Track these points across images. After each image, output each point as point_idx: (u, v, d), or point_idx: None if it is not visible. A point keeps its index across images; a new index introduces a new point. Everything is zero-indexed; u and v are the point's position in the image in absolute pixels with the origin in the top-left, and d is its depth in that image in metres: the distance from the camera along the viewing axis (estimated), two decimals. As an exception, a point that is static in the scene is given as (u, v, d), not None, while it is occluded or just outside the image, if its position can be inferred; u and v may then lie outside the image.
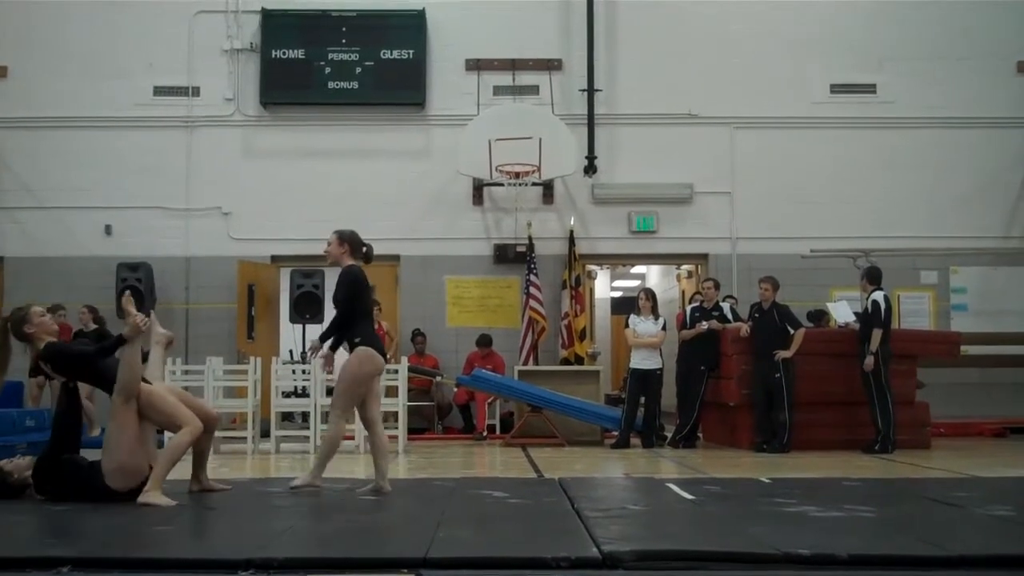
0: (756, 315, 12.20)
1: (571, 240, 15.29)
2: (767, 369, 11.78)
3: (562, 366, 14.71)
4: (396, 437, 11.92)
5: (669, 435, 12.75)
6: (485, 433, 13.93)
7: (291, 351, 15.26)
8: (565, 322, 15.08)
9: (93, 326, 12.94)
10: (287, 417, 12.95)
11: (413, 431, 13.24)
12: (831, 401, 12.02)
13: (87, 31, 15.56)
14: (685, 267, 17.21)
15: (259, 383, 11.90)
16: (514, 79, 15.69)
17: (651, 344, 12.43)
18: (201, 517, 6.31)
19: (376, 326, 14.51)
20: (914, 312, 15.41)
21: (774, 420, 11.74)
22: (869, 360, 11.50)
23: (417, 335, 14.98)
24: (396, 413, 12.04)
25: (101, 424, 11.83)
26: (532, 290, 14.93)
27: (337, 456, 11.28)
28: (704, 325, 12.47)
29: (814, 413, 11.89)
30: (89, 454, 7.10)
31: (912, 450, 11.58)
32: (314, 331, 14.89)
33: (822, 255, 14.79)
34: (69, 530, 5.70)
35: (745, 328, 12.15)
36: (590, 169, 15.45)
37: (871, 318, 11.69)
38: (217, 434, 10.98)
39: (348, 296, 7.46)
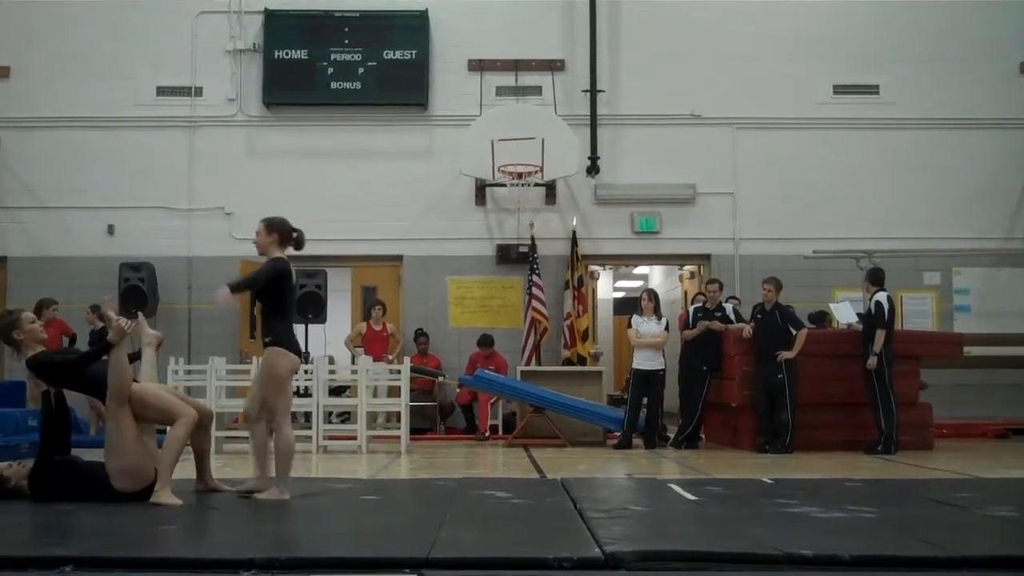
0: (759, 316, 12.19)
1: (573, 240, 15.29)
2: (770, 370, 11.78)
3: (564, 367, 14.70)
4: (399, 437, 11.93)
5: (671, 436, 12.75)
6: (487, 433, 13.93)
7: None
8: (567, 323, 15.08)
9: (100, 324, 12.94)
10: (289, 417, 12.93)
11: (415, 431, 13.25)
12: (833, 402, 12.01)
13: (90, 31, 15.57)
14: (687, 268, 17.20)
15: (261, 383, 11.87)
16: (517, 80, 15.70)
17: (654, 345, 12.42)
18: (204, 517, 6.31)
19: (380, 328, 14.72)
20: (917, 313, 15.40)
21: (776, 421, 11.74)
22: (872, 360, 11.49)
23: (420, 335, 14.98)
24: (399, 413, 12.04)
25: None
26: (534, 290, 14.93)
27: (339, 456, 11.38)
28: (704, 324, 12.47)
29: (816, 414, 11.89)
30: (86, 454, 7.10)
31: (915, 451, 11.57)
32: (317, 331, 15.02)
33: (825, 256, 14.80)
34: (71, 529, 5.70)
35: (747, 329, 12.14)
36: (593, 170, 15.45)
37: (874, 319, 11.68)
38: (220, 434, 11.05)
39: (258, 276, 7.11)
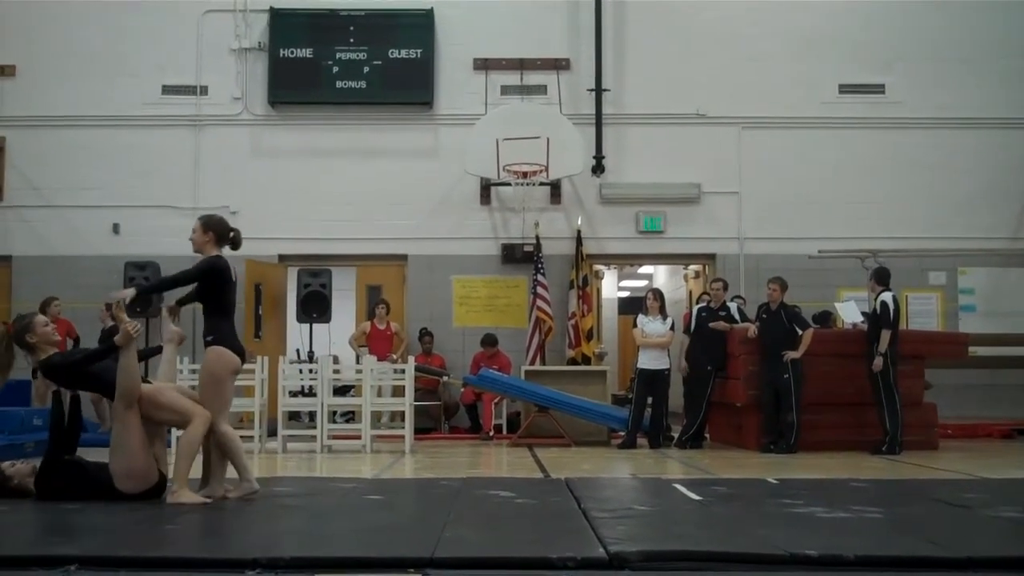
0: (764, 316, 12.17)
1: (578, 240, 15.28)
2: (775, 370, 11.76)
3: (569, 366, 14.70)
4: (403, 437, 11.93)
5: (676, 435, 12.74)
6: (492, 433, 13.92)
7: (298, 350, 15.28)
8: (572, 322, 15.07)
9: (111, 323, 12.94)
10: (294, 416, 12.97)
11: (420, 431, 13.26)
12: (839, 402, 12.00)
13: (95, 30, 15.60)
14: (693, 267, 17.19)
15: (266, 382, 11.90)
16: (522, 79, 15.70)
17: (659, 344, 12.41)
18: (208, 516, 6.31)
19: (385, 327, 14.72)
20: (922, 313, 15.39)
21: (781, 421, 11.72)
22: (878, 361, 11.47)
23: (424, 334, 14.99)
24: (403, 413, 12.04)
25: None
26: (539, 290, 14.92)
27: (343, 456, 11.37)
28: (712, 325, 12.47)
29: (821, 414, 11.87)
30: (94, 453, 7.11)
31: (920, 451, 11.55)
32: (321, 330, 15.02)
33: (830, 255, 14.78)
34: (75, 528, 5.70)
35: (753, 329, 12.13)
36: (598, 169, 15.45)
37: (880, 319, 11.66)
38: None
39: (194, 276, 7.03)
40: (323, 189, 15.40)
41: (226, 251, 7.23)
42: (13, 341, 6.95)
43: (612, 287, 20.77)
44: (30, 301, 13.64)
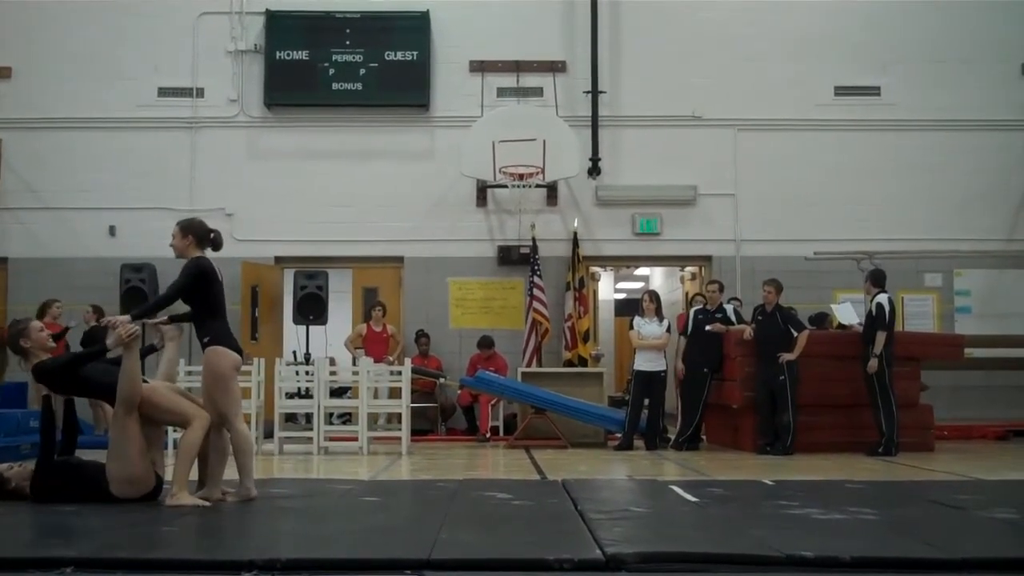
0: (759, 318, 12.19)
1: (575, 242, 15.28)
2: (770, 371, 11.78)
3: (565, 368, 14.70)
4: (400, 438, 11.93)
5: (672, 437, 12.75)
6: (488, 435, 13.93)
7: (295, 352, 15.28)
8: (568, 324, 15.08)
9: (94, 323, 12.93)
10: (290, 418, 12.96)
11: (416, 432, 13.25)
12: (834, 403, 12.02)
13: (91, 32, 15.58)
14: (689, 269, 17.20)
15: (262, 384, 11.90)
16: (518, 81, 15.70)
17: (655, 346, 12.43)
18: (204, 518, 6.30)
19: (381, 329, 14.72)
20: (918, 314, 15.40)
21: (777, 422, 11.74)
22: (873, 362, 11.49)
23: (421, 336, 14.99)
24: (400, 414, 12.04)
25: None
26: (536, 292, 14.92)
27: (339, 457, 11.38)
28: (708, 328, 12.48)
29: (817, 415, 11.89)
30: (91, 456, 7.10)
31: (915, 453, 11.57)
32: (318, 332, 15.02)
33: (826, 257, 14.79)
34: (72, 530, 5.70)
35: (748, 331, 12.14)
36: (594, 171, 15.46)
37: (875, 320, 11.68)
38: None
39: (186, 286, 6.92)
40: (319, 191, 15.39)
41: (209, 252, 7.16)
42: (7, 347, 6.92)
43: (608, 289, 20.80)
44: (26, 303, 13.67)
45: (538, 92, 15.68)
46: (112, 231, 15.29)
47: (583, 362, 14.88)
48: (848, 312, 12.99)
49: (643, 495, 7.68)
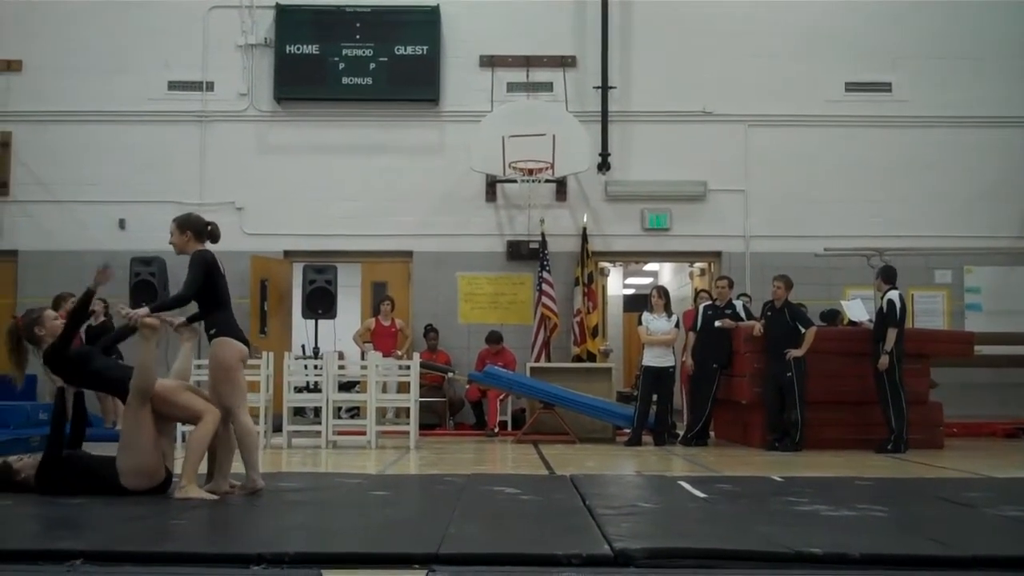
0: (768, 314, 12.17)
1: (584, 237, 15.28)
2: (779, 368, 11.75)
3: (574, 363, 14.69)
4: (408, 433, 11.94)
5: (681, 433, 12.74)
6: (497, 430, 13.93)
7: (303, 346, 15.29)
8: (577, 319, 15.07)
9: (102, 318, 12.93)
10: (299, 412, 12.97)
11: (425, 427, 13.26)
12: (844, 400, 11.99)
13: (101, 26, 15.60)
14: (698, 265, 17.16)
15: (271, 378, 11.92)
16: (528, 76, 15.69)
17: (664, 342, 12.41)
18: (213, 511, 6.31)
19: (390, 323, 14.72)
20: (928, 311, 15.36)
21: (786, 419, 11.71)
22: (884, 359, 11.46)
23: (429, 331, 14.98)
24: (408, 409, 12.05)
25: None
26: (545, 287, 14.91)
27: (348, 451, 11.38)
28: (718, 323, 12.47)
29: (826, 412, 11.86)
30: (100, 449, 7.12)
31: (925, 450, 11.55)
32: (327, 326, 15.04)
33: (836, 254, 14.76)
34: (81, 523, 5.71)
35: (758, 327, 12.12)
36: (603, 166, 15.44)
37: (886, 317, 11.65)
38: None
39: (199, 278, 6.91)
40: (329, 185, 15.40)
41: (209, 245, 7.16)
42: (22, 336, 6.93)
43: (617, 284, 20.77)
44: (35, 296, 13.68)
45: (548, 87, 15.66)
46: (122, 224, 15.32)
47: (592, 357, 14.87)
48: (858, 309, 12.95)
49: (651, 491, 7.67)
